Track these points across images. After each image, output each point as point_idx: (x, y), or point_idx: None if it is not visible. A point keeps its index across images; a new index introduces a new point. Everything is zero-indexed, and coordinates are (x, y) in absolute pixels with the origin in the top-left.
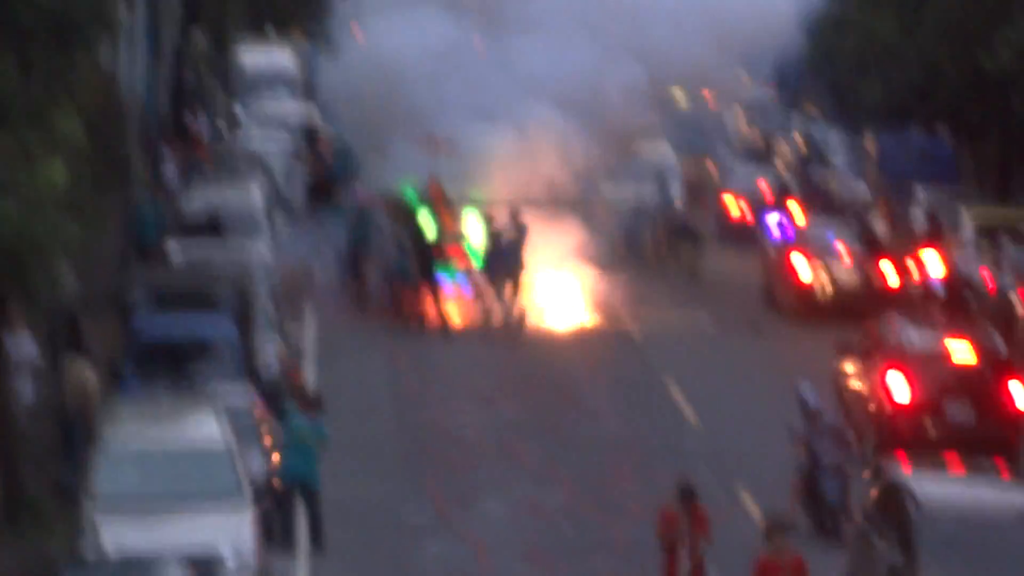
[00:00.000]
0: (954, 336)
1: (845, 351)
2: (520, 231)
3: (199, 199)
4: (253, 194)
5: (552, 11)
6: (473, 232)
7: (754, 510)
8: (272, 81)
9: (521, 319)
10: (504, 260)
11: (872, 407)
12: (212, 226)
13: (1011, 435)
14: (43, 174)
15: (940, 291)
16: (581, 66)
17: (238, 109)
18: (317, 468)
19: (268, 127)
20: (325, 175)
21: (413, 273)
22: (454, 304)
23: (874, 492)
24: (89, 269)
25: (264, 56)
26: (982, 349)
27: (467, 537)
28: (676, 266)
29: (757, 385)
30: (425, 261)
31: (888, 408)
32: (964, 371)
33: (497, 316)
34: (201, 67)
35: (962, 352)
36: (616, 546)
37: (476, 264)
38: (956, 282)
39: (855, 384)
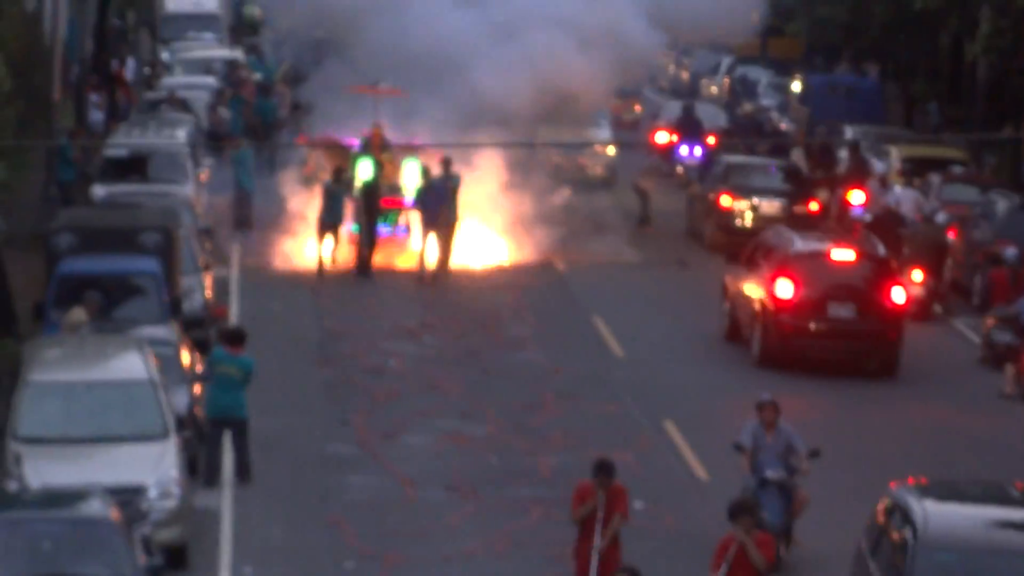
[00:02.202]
0: (838, 243)
1: (734, 259)
2: (453, 180)
3: (125, 142)
4: (177, 137)
5: None
6: (411, 180)
7: (678, 439)
8: (198, 24)
9: (446, 265)
10: (437, 207)
11: (758, 307)
12: (137, 168)
13: (890, 331)
14: None
15: (864, 217)
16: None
17: (164, 53)
18: (244, 401)
19: (193, 70)
20: (251, 116)
21: (343, 220)
22: (389, 249)
23: (880, 508)
24: (14, 209)
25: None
26: (864, 254)
27: (391, 469)
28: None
29: (681, 317)
30: (366, 207)
31: (773, 307)
32: (846, 272)
33: (428, 261)
34: (126, 11)
35: (844, 256)
36: (539, 475)
37: (411, 207)
38: (883, 211)
39: (744, 288)
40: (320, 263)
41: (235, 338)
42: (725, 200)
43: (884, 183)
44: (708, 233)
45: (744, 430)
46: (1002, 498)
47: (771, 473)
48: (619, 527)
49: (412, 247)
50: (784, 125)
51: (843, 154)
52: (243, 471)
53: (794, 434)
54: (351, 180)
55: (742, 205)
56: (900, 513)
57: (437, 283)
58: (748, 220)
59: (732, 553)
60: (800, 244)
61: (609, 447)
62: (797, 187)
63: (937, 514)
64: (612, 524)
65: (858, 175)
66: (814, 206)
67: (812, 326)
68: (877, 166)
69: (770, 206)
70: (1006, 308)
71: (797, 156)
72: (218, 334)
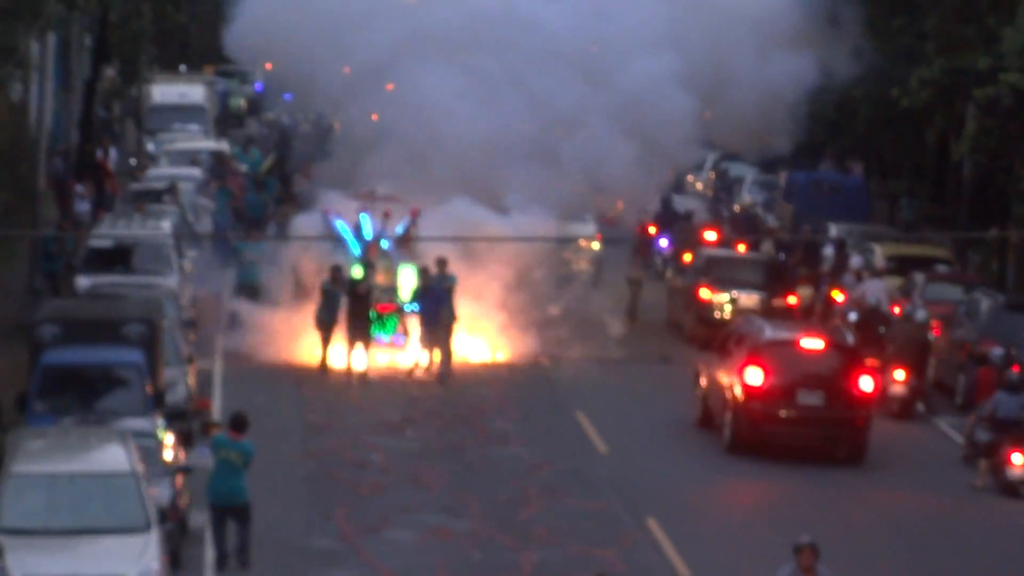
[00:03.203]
0: (808, 332)
1: (707, 347)
2: (449, 280)
3: (109, 233)
4: (162, 228)
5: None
6: (407, 283)
7: (660, 536)
8: (184, 116)
9: (449, 363)
10: (435, 307)
11: (729, 394)
12: (121, 259)
13: (858, 418)
14: None
15: (850, 316)
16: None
17: (149, 144)
18: (245, 486)
19: (179, 162)
20: (239, 209)
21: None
22: (385, 353)
23: None
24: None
25: (175, 91)
26: (833, 342)
27: (374, 564)
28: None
29: (662, 409)
30: (359, 310)
31: (744, 394)
32: (815, 361)
33: (425, 364)
34: (112, 102)
35: (813, 344)
36: (522, 570)
37: (408, 308)
38: (868, 311)
39: (716, 375)
40: (323, 359)
41: (238, 424)
42: (704, 293)
43: (859, 277)
44: (688, 325)
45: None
46: None
47: None
48: None
49: (410, 352)
50: (770, 222)
51: (828, 251)
52: (243, 555)
53: None
54: (347, 281)
55: (721, 298)
56: None
57: (445, 383)
58: (727, 312)
59: None
60: (770, 332)
61: (592, 544)
62: (777, 281)
63: None
64: None
65: (843, 272)
66: (792, 300)
67: (782, 413)
68: (854, 261)
69: (749, 299)
70: (984, 406)
71: (767, 247)
72: (202, 424)
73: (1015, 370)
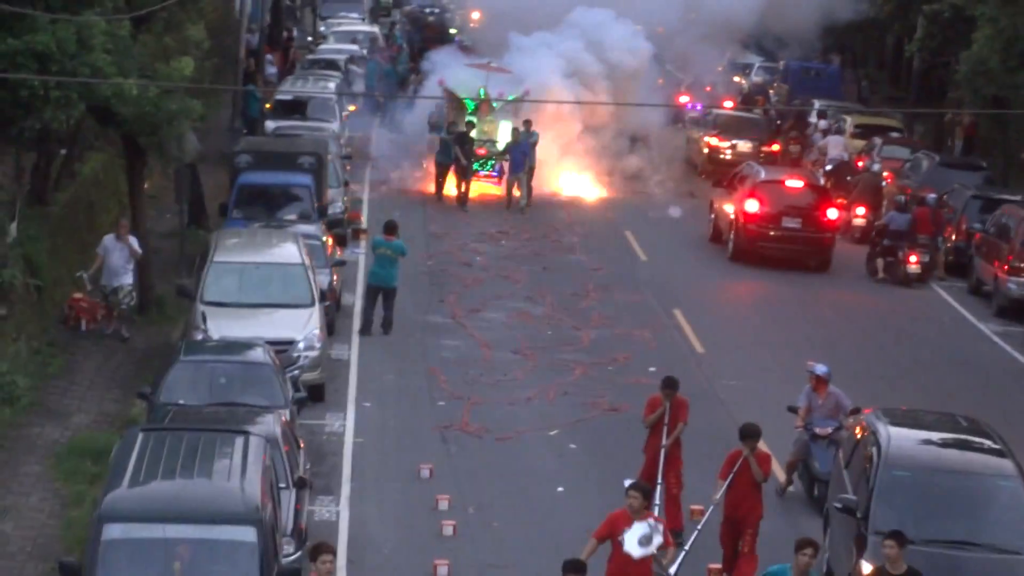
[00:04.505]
0: (792, 175)
1: (718, 183)
2: (533, 136)
3: (290, 90)
4: (328, 87)
5: None
6: (503, 137)
7: (683, 323)
8: (347, 7)
9: (530, 197)
10: (522, 157)
11: (732, 218)
12: (298, 109)
13: (825, 239)
14: (176, 67)
15: (826, 167)
16: None
17: (321, 27)
18: (395, 274)
19: (342, 40)
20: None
21: (450, 161)
22: (483, 185)
23: (853, 427)
24: (208, 135)
25: None
26: (809, 183)
27: (474, 335)
28: None
29: (685, 230)
30: (463, 151)
31: (743, 218)
32: (796, 196)
33: (513, 195)
34: None
35: (795, 184)
36: (581, 344)
37: (501, 157)
38: (840, 163)
39: (724, 207)
40: (438, 189)
41: (390, 228)
42: (713, 140)
43: (824, 134)
44: (701, 163)
45: (801, 394)
46: (952, 426)
47: (819, 428)
48: (680, 431)
49: (502, 186)
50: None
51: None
52: (387, 324)
53: (842, 395)
54: (459, 132)
55: (725, 144)
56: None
57: (525, 212)
58: (729, 155)
59: (738, 465)
60: (764, 174)
61: (633, 327)
62: (765, 133)
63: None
64: (676, 429)
65: (824, 135)
66: (775, 147)
67: (771, 232)
68: (820, 124)
69: (745, 145)
70: (880, 221)
71: (759, 112)
72: (353, 230)
73: (907, 192)
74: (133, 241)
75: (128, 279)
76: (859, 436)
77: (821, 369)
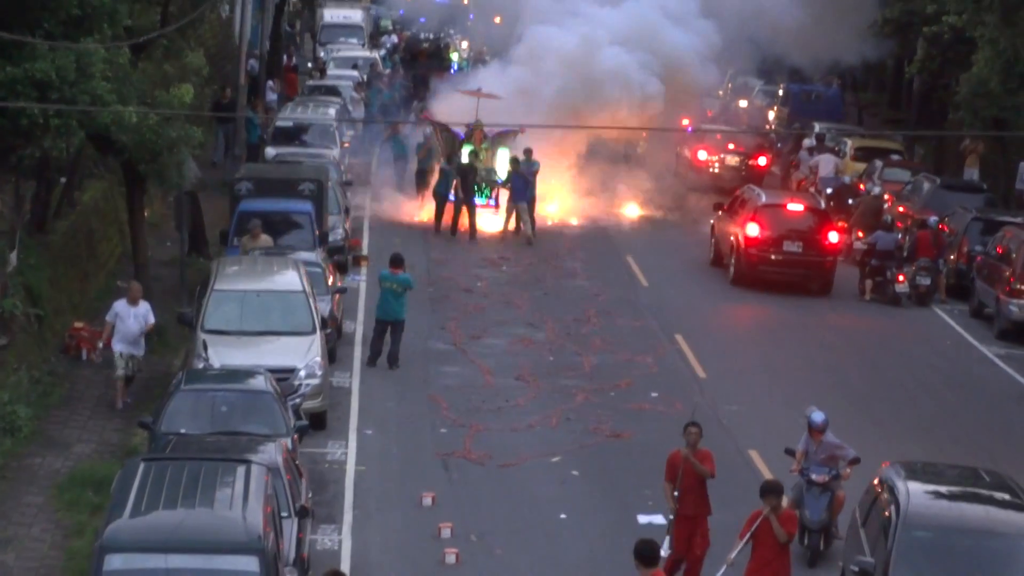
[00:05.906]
0: (792, 199)
1: (718, 207)
2: (534, 165)
3: (290, 116)
4: (329, 113)
5: None
6: (502, 166)
7: (684, 347)
8: (347, 32)
9: (533, 227)
10: (523, 187)
11: (734, 242)
12: (299, 135)
13: (826, 262)
14: (176, 94)
15: (826, 190)
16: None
17: (321, 53)
18: (403, 307)
19: (343, 66)
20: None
21: (450, 192)
22: (484, 215)
23: (875, 485)
24: (207, 162)
25: (341, 13)
26: (810, 207)
27: (476, 362)
28: None
29: (688, 256)
30: (466, 185)
31: (744, 242)
32: (797, 219)
33: (513, 225)
34: (295, 20)
35: (796, 207)
36: (583, 369)
37: (501, 186)
38: (841, 186)
39: (725, 228)
40: (437, 221)
41: (396, 262)
42: (701, 155)
43: (811, 152)
44: (690, 176)
45: (801, 440)
46: (974, 481)
47: (816, 475)
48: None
49: (501, 215)
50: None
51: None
52: (393, 359)
53: (840, 445)
54: (458, 164)
55: (713, 158)
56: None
57: (532, 244)
58: (716, 168)
59: (758, 525)
60: (765, 198)
61: (635, 352)
62: (753, 148)
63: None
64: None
65: (811, 153)
66: (762, 160)
67: (772, 256)
68: (806, 141)
69: (732, 159)
70: (867, 239)
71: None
72: (352, 258)
73: (888, 204)
74: (148, 312)
75: (142, 350)
76: (876, 492)
77: (817, 418)
